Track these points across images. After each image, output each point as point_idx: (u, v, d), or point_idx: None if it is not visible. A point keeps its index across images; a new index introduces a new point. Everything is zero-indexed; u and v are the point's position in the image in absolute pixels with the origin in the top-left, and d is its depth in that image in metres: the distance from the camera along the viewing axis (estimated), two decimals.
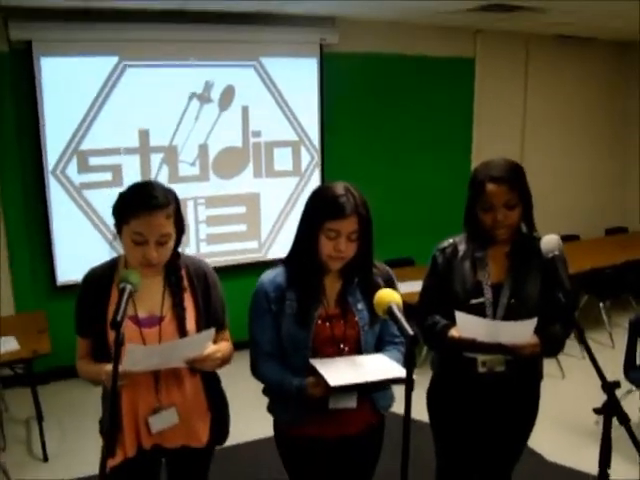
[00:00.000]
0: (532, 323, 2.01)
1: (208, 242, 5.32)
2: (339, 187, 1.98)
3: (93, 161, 4.76)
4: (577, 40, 6.43)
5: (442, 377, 2.42)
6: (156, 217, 1.89)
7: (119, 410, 1.97)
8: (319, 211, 1.96)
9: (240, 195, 5.37)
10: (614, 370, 4.23)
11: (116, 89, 4.74)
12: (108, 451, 1.53)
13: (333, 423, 2.05)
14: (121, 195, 1.97)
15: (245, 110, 5.23)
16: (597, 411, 1.61)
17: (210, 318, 2.09)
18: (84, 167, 4.73)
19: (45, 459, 3.80)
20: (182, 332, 2.00)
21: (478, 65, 6.15)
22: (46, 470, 3.70)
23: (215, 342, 2.05)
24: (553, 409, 3.96)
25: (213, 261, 5.14)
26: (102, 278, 2.02)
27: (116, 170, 4.83)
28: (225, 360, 2.08)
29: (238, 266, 5.38)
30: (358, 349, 2.06)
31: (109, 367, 1.84)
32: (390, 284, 2.10)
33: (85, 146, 4.71)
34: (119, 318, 1.64)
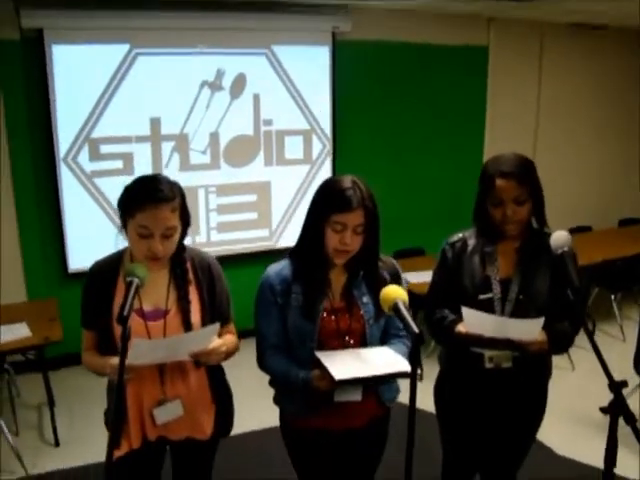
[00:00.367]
0: (539, 322, 2.00)
1: (219, 230, 5.33)
2: (346, 180, 1.98)
3: (104, 149, 4.77)
4: (593, 29, 6.33)
5: (449, 372, 2.42)
6: (162, 210, 1.89)
7: (124, 402, 1.98)
8: (326, 204, 1.96)
9: (251, 183, 5.37)
10: (624, 363, 4.22)
11: (127, 77, 4.73)
12: (113, 443, 1.54)
13: (338, 415, 2.06)
14: (126, 188, 1.97)
15: (256, 98, 5.21)
16: (603, 410, 1.60)
17: (215, 311, 2.10)
18: (95, 155, 4.74)
19: (57, 444, 3.86)
20: (187, 325, 2.01)
21: (491, 54, 6.08)
22: (58, 455, 3.76)
23: (220, 335, 2.06)
24: (562, 401, 3.96)
25: (223, 249, 5.29)
26: (107, 271, 2.02)
27: (127, 158, 4.84)
28: (230, 353, 2.09)
29: (248, 254, 5.40)
30: (363, 342, 2.07)
31: (114, 360, 1.85)
32: (396, 278, 2.11)
33: (96, 134, 4.72)
34: (126, 313, 1.64)
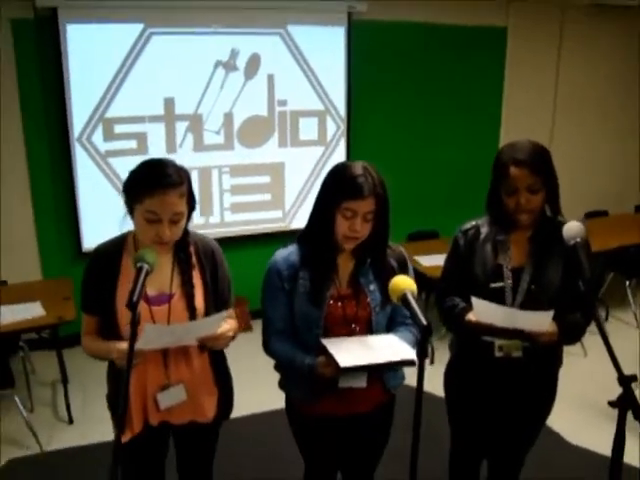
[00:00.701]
0: (548, 315, 1.99)
1: (232, 211, 5.33)
2: (357, 167, 1.97)
3: (118, 129, 4.77)
4: (614, 9, 6.20)
5: (459, 359, 2.42)
6: (170, 196, 1.87)
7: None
8: (337, 190, 1.95)
9: (265, 164, 5.35)
10: (638, 350, 4.21)
11: (141, 56, 4.71)
12: (120, 430, 1.55)
13: (343, 401, 2.08)
14: (133, 173, 1.94)
15: (271, 79, 5.17)
16: (612, 404, 1.59)
17: (217, 296, 2.10)
18: (109, 135, 4.75)
19: (70, 421, 3.92)
20: (191, 310, 2.01)
21: (510, 35, 5.97)
22: (71, 432, 3.82)
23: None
24: (573, 388, 3.95)
25: (237, 230, 5.30)
26: (110, 255, 2.01)
27: (141, 138, 4.84)
28: (233, 338, 2.09)
29: (261, 235, 5.41)
30: (369, 329, 2.08)
31: (121, 345, 1.87)
32: (403, 266, 2.11)
33: (110, 114, 4.71)
34: (135, 298, 1.63)
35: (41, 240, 4.77)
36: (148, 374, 2.03)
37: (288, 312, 2.08)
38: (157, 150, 4.88)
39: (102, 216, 4.61)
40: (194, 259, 2.06)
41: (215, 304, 2.08)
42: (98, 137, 4.73)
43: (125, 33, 4.64)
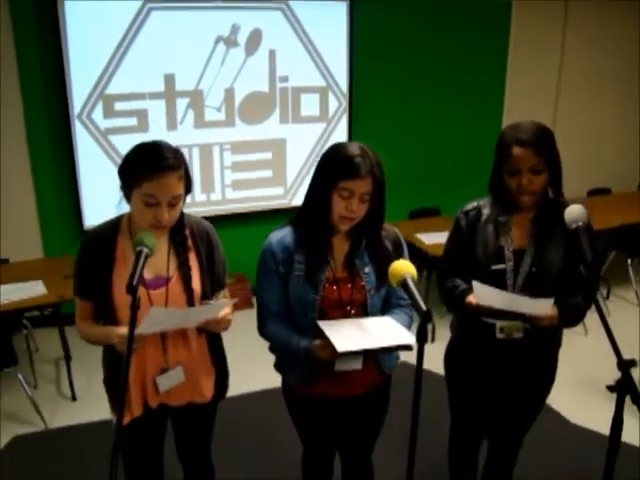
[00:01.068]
0: (549, 302, 1.98)
1: (233, 188, 5.31)
2: (354, 147, 1.95)
3: (119, 106, 4.73)
4: None
5: (460, 340, 2.43)
6: (169, 179, 1.86)
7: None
8: (334, 170, 1.93)
9: (266, 141, 5.32)
10: (638, 329, 4.22)
11: (141, 32, 4.66)
12: (120, 416, 1.55)
13: (339, 383, 2.09)
14: (129, 157, 1.91)
15: (272, 54, 5.12)
16: (611, 389, 1.59)
17: (213, 277, 2.10)
18: (110, 112, 4.72)
19: (73, 398, 3.96)
20: (189, 292, 2.01)
21: (514, 10, 5.88)
22: (74, 409, 3.86)
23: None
24: (574, 366, 3.97)
25: (238, 207, 5.29)
26: (104, 239, 1.99)
27: (141, 115, 4.81)
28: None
29: (263, 212, 5.40)
30: (365, 312, 2.08)
31: (121, 330, 1.87)
32: (398, 247, 2.11)
33: (110, 90, 4.68)
34: (135, 282, 1.62)
35: (42, 218, 4.77)
36: (147, 357, 2.03)
37: (283, 295, 2.08)
38: (158, 127, 4.86)
39: (103, 194, 4.62)
40: (190, 241, 2.06)
41: (211, 286, 2.08)
42: (98, 114, 4.70)
43: (124, 9, 4.59)
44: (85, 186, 4.77)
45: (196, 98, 4.98)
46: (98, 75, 4.62)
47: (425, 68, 5.71)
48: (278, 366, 2.26)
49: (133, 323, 1.61)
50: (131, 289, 1.63)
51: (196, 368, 2.11)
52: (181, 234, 2.04)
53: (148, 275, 1.98)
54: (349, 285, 2.06)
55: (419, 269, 4.74)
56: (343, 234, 2.06)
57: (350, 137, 5.54)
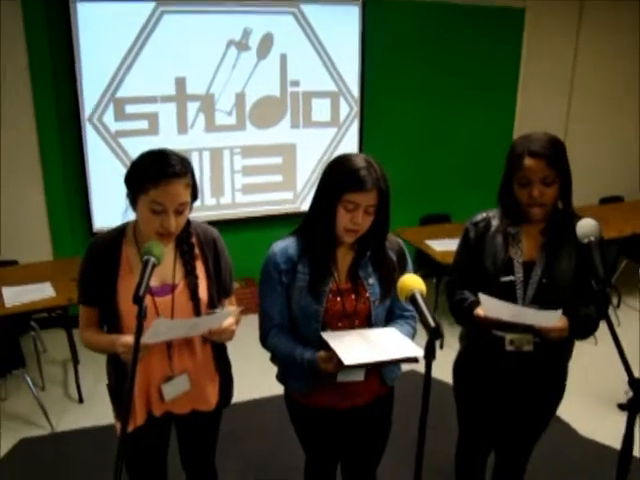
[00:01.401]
0: (557, 314, 1.96)
1: (243, 192, 5.31)
2: (360, 159, 1.93)
3: (129, 109, 4.74)
4: None
5: (470, 352, 2.40)
6: (176, 187, 1.85)
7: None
8: (339, 183, 1.91)
9: (276, 145, 5.32)
10: None
11: (153, 36, 4.67)
12: (124, 425, 1.54)
13: (342, 394, 2.08)
14: (136, 164, 1.90)
15: (283, 59, 5.12)
16: (622, 407, 1.56)
17: (220, 285, 2.10)
18: (120, 115, 4.73)
19: (80, 400, 3.95)
20: (195, 300, 2.00)
21: (528, 16, 5.85)
22: (82, 411, 3.86)
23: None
24: (584, 377, 3.93)
25: (248, 211, 5.29)
26: (109, 246, 1.98)
27: (152, 118, 4.82)
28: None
29: (272, 216, 5.39)
30: (368, 323, 2.06)
31: (126, 339, 1.86)
32: (401, 258, 2.10)
33: (121, 93, 4.69)
34: (142, 292, 1.61)
35: (52, 220, 4.78)
36: (152, 365, 2.02)
37: (286, 306, 2.06)
38: (168, 130, 4.86)
39: (113, 196, 4.58)
40: (197, 249, 2.05)
41: (218, 294, 2.08)
42: (109, 117, 4.71)
43: (136, 11, 4.60)
44: (95, 188, 4.78)
45: (207, 102, 4.98)
46: (109, 78, 4.63)
47: (437, 72, 5.69)
48: (280, 377, 2.24)
49: (139, 332, 1.59)
50: (137, 299, 1.61)
51: (201, 376, 2.11)
52: (188, 242, 2.03)
53: (154, 282, 1.96)
54: (353, 296, 2.04)
55: (428, 276, 4.74)
56: (347, 245, 2.04)
57: (361, 143, 5.52)
